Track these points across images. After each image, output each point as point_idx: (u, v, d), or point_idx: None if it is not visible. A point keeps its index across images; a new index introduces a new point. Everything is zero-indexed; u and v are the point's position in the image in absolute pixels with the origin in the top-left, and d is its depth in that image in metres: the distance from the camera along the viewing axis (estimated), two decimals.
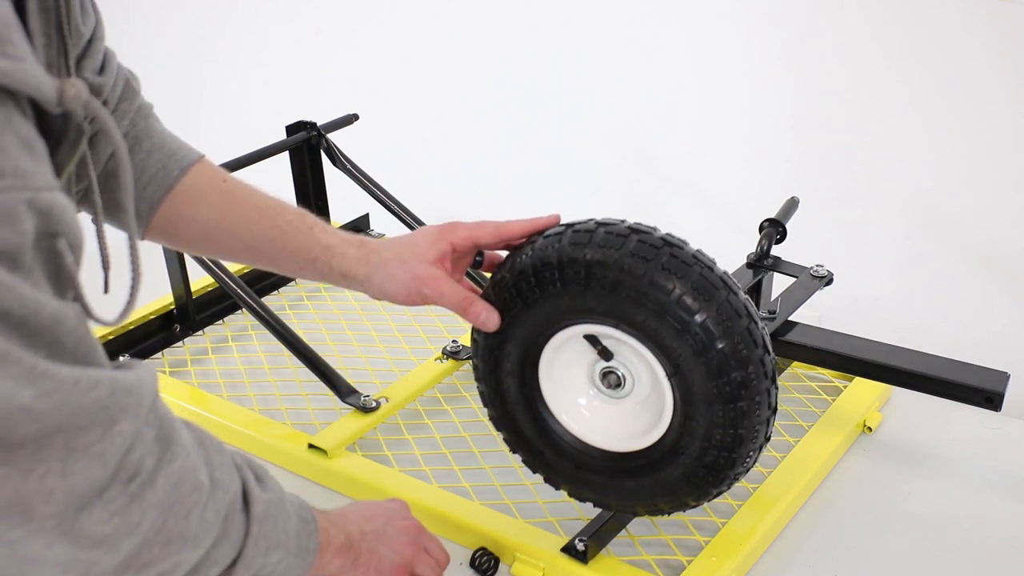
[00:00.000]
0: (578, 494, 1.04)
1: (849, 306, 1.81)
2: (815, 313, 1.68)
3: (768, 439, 0.94)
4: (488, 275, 1.01)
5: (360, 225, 1.77)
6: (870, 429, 1.28)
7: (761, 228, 1.32)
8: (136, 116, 0.98)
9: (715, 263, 0.91)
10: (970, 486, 1.19)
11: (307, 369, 1.35)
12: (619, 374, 0.97)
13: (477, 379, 1.04)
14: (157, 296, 1.54)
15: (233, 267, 1.49)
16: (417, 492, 1.16)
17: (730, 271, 0.95)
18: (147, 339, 1.51)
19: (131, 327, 1.49)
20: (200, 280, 1.56)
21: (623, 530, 1.10)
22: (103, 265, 0.72)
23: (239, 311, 1.60)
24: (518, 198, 2.38)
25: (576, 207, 1.37)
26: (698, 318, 0.87)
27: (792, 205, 1.36)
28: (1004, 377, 1.12)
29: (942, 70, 1.79)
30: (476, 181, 2.48)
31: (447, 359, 1.42)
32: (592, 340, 0.96)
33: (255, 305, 1.39)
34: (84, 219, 0.70)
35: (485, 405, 1.05)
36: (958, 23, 1.74)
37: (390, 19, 2.44)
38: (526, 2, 2.22)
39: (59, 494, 0.61)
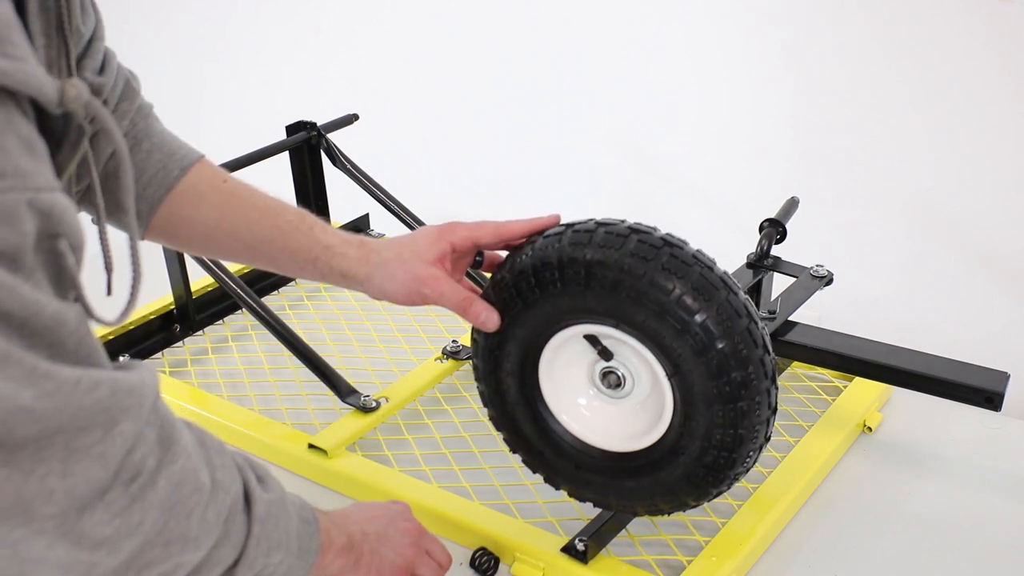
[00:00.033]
0: (578, 494, 1.04)
1: (849, 306, 1.81)
2: (815, 313, 1.68)
3: (768, 439, 0.94)
4: (488, 275, 1.01)
5: (360, 225, 1.77)
6: (870, 429, 1.28)
7: (761, 228, 1.32)
8: (136, 116, 0.98)
9: (715, 263, 0.91)
10: (970, 486, 1.19)
11: (307, 369, 1.35)
12: (619, 374, 0.97)
13: (477, 379, 1.04)
14: (157, 296, 1.54)
15: (233, 267, 1.49)
16: (417, 492, 1.16)
17: (730, 271, 0.95)
18: (147, 339, 1.51)
19: (131, 327, 1.49)
20: (200, 280, 1.56)
21: (623, 530, 1.10)
22: (106, 267, 0.72)
23: (239, 311, 1.60)
24: (518, 198, 2.38)
25: (576, 207, 1.37)
26: (698, 318, 0.87)
27: (792, 205, 1.36)
28: (1004, 377, 1.12)
29: (942, 70, 1.79)
30: (476, 181, 2.48)
31: (447, 359, 1.42)
32: (592, 340, 0.96)
33: (255, 305, 1.39)
34: (85, 220, 0.70)
35: (485, 405, 1.05)
36: (958, 23, 1.74)
37: (390, 19, 2.44)
38: (526, 2, 2.22)
39: (60, 495, 0.61)
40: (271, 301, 1.62)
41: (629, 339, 0.92)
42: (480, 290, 0.98)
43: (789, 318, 1.25)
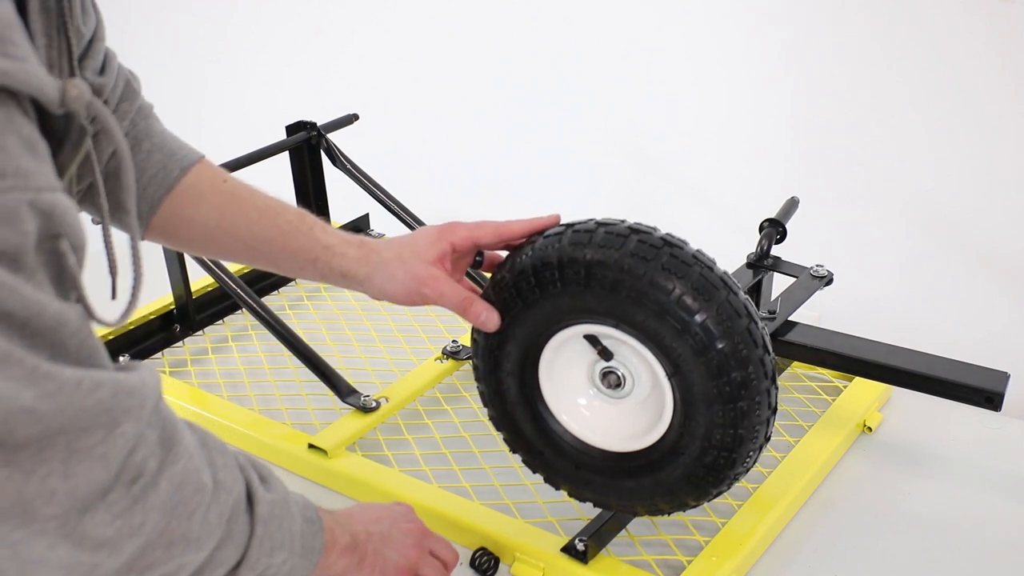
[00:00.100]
0: (578, 494, 1.04)
1: (849, 306, 1.81)
2: (815, 313, 1.68)
3: (768, 439, 0.94)
4: (488, 275, 1.01)
5: (360, 225, 1.77)
6: (870, 429, 1.28)
7: (761, 228, 1.32)
8: (136, 116, 0.98)
9: (715, 263, 0.91)
10: (970, 486, 1.19)
11: (307, 369, 1.35)
12: (619, 374, 0.97)
13: (477, 379, 1.04)
14: (157, 296, 1.54)
15: (233, 267, 1.49)
16: (417, 492, 1.16)
17: (730, 271, 0.95)
18: (147, 339, 1.51)
19: (131, 327, 1.49)
20: (200, 280, 1.56)
21: (623, 530, 1.10)
22: (111, 271, 0.72)
23: (239, 311, 1.60)
24: (518, 198, 2.38)
25: (576, 207, 1.37)
26: (698, 318, 0.87)
27: (792, 205, 1.36)
28: (1004, 377, 1.12)
29: (942, 70, 1.79)
30: (476, 181, 2.48)
31: (447, 359, 1.42)
32: (592, 340, 0.96)
33: (255, 305, 1.39)
34: (86, 220, 0.70)
35: (485, 405, 1.05)
36: (958, 23, 1.74)
37: (390, 19, 2.44)
38: (526, 2, 2.22)
39: (61, 496, 0.61)
40: (271, 301, 1.62)
41: (629, 339, 0.92)
42: (480, 290, 0.98)
43: (789, 318, 1.25)
